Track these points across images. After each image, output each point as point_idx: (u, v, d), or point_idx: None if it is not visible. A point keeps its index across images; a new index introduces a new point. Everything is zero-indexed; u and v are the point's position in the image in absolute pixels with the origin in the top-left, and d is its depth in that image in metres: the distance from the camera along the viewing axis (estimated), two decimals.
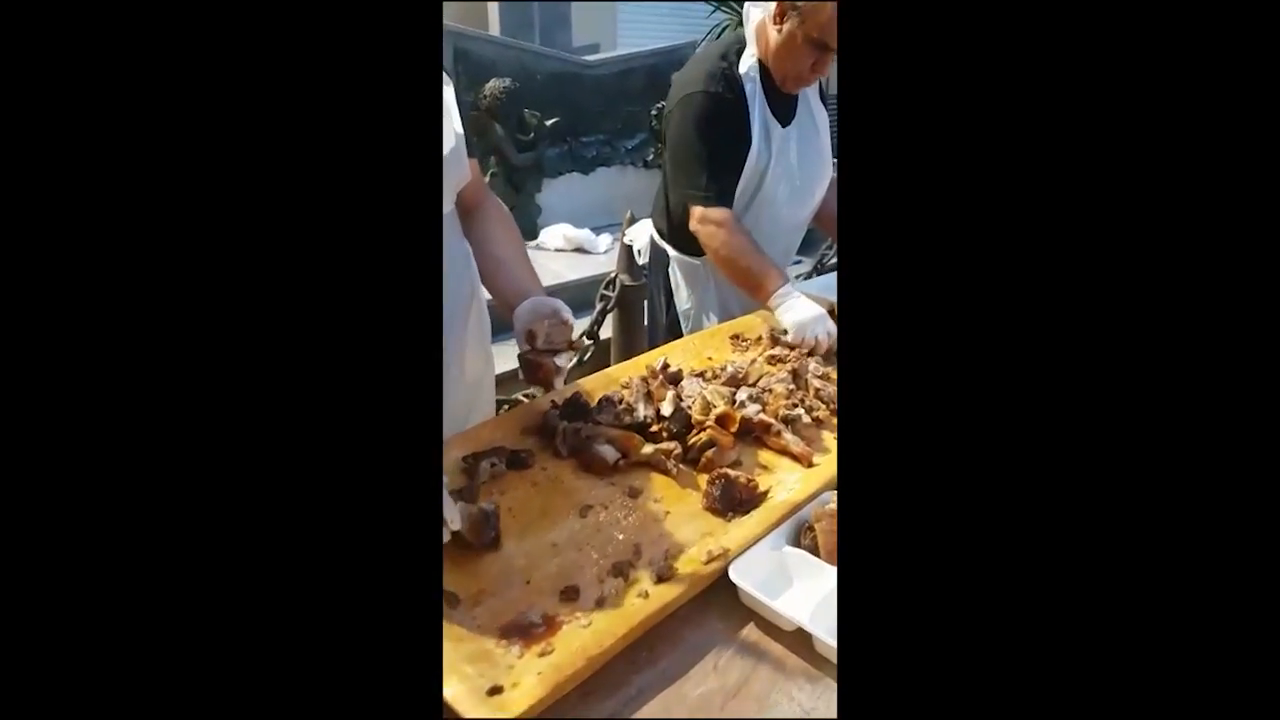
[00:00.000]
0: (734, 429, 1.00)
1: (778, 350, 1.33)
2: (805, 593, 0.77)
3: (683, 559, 0.78)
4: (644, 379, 1.08)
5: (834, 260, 3.11)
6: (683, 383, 1.15)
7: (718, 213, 1.43)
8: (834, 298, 1.48)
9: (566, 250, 3.45)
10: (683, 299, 1.64)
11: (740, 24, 1.52)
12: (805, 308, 1.34)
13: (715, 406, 1.03)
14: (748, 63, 1.44)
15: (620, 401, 1.03)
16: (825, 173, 1.61)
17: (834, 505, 0.87)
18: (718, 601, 0.77)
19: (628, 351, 2.41)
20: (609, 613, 0.71)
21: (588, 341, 2.42)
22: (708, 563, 0.77)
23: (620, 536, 0.82)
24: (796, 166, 1.51)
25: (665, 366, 1.16)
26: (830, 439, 1.06)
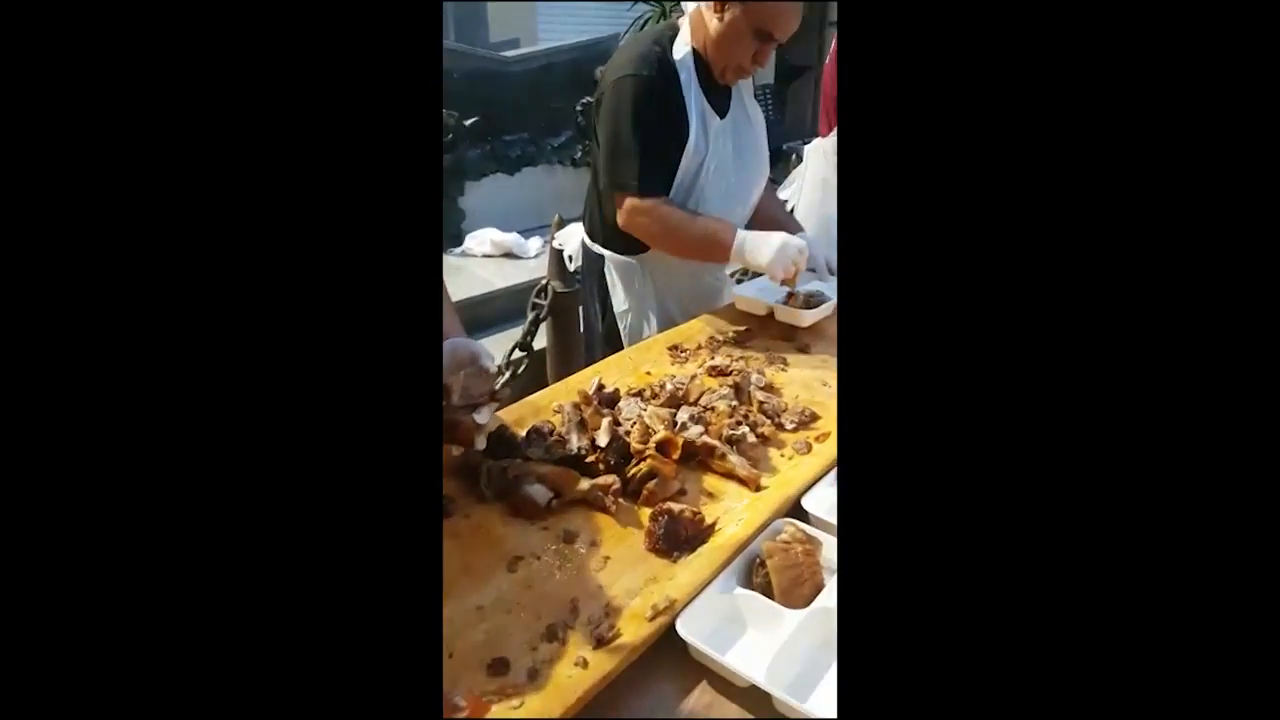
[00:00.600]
0: (676, 455, 0.92)
1: (719, 360, 1.27)
2: (760, 642, 0.70)
3: (625, 614, 0.70)
4: (576, 405, 0.99)
5: None
6: (620, 404, 1.07)
7: (649, 201, 1.36)
8: (771, 299, 1.44)
9: (495, 256, 3.30)
10: (619, 300, 1.55)
11: (664, 16, 1.44)
12: (768, 242, 1.32)
13: (655, 431, 0.95)
14: (682, 50, 1.37)
15: (551, 432, 0.94)
16: (762, 171, 1.55)
17: (786, 536, 0.80)
18: (667, 659, 0.69)
19: (563, 362, 2.31)
20: (542, 689, 0.62)
21: (520, 353, 2.31)
22: (653, 618, 0.69)
23: (555, 592, 0.74)
24: (732, 162, 1.44)
25: (600, 388, 1.08)
26: (777, 457, 1.00)
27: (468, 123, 3.48)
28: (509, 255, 3.31)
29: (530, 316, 2.27)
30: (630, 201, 1.37)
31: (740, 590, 0.75)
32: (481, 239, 3.33)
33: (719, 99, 1.42)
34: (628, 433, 0.94)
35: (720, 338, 1.40)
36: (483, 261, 3.27)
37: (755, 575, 0.77)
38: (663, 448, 0.92)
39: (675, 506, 0.82)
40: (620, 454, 0.91)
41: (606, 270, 1.55)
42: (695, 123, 1.36)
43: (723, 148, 1.41)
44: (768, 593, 0.74)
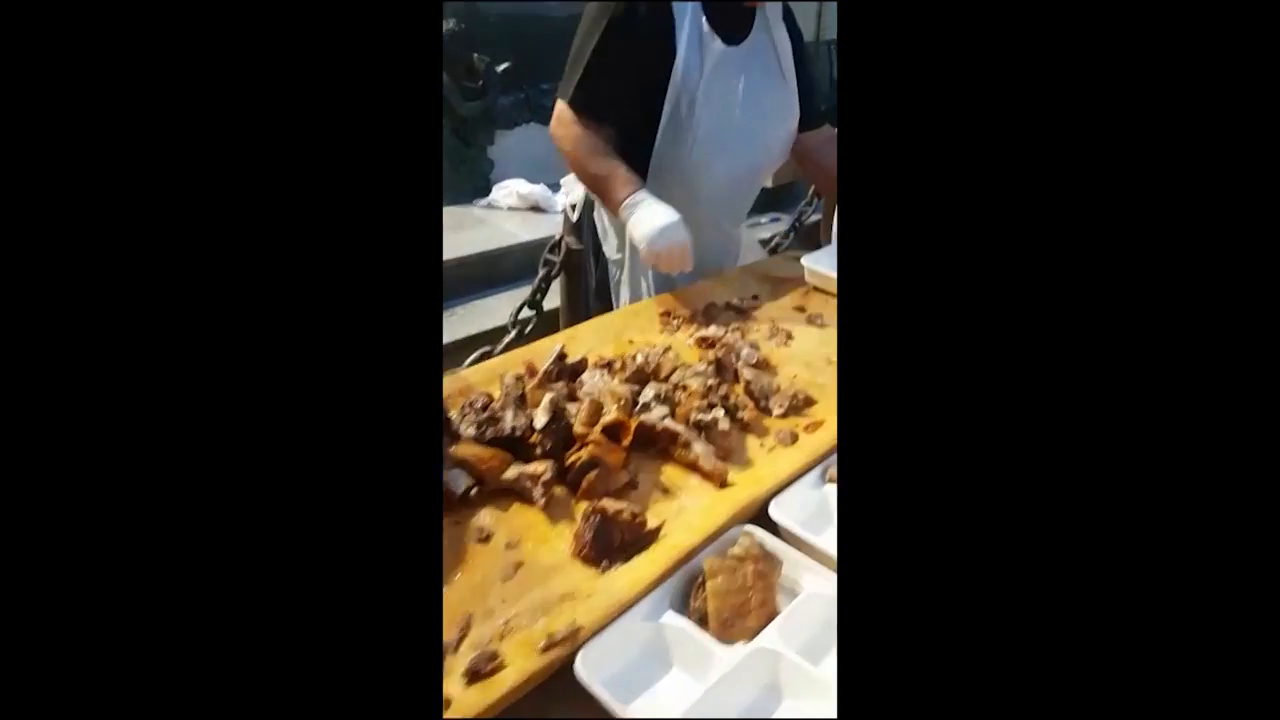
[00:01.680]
0: (627, 441, 0.79)
1: (711, 330, 1.11)
2: (683, 686, 0.57)
3: (517, 639, 0.58)
4: (518, 376, 0.86)
5: (815, 218, 2.86)
6: (583, 376, 0.93)
7: (571, 112, 1.22)
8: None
9: (520, 209, 3.17)
10: (612, 248, 1.39)
11: None
12: (656, 216, 1.13)
13: (609, 411, 0.81)
14: None
15: (484, 407, 0.81)
16: (785, 114, 1.33)
17: (739, 550, 0.66)
18: (567, 696, 0.57)
19: (575, 324, 2.19)
20: None
21: (529, 312, 2.19)
22: (546, 649, 0.56)
23: (448, 604, 0.62)
24: (742, 98, 1.25)
25: (561, 357, 0.94)
26: (756, 448, 0.85)
27: (500, 68, 3.31)
28: (535, 208, 3.17)
29: (541, 273, 2.14)
30: (558, 108, 1.23)
31: (669, 617, 0.61)
32: (508, 190, 3.20)
33: (734, 22, 1.22)
34: (575, 412, 0.81)
35: (721, 304, 1.24)
36: (508, 214, 3.15)
37: (694, 598, 0.63)
38: (612, 431, 0.79)
39: (611, 505, 0.68)
40: (561, 437, 0.78)
41: (597, 215, 1.39)
42: (685, 45, 1.17)
43: (728, 79, 1.22)
44: (704, 623, 0.61)
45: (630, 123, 1.25)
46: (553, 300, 2.24)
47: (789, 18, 1.33)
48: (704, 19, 1.18)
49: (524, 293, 2.41)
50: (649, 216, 1.14)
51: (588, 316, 1.57)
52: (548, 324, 2.25)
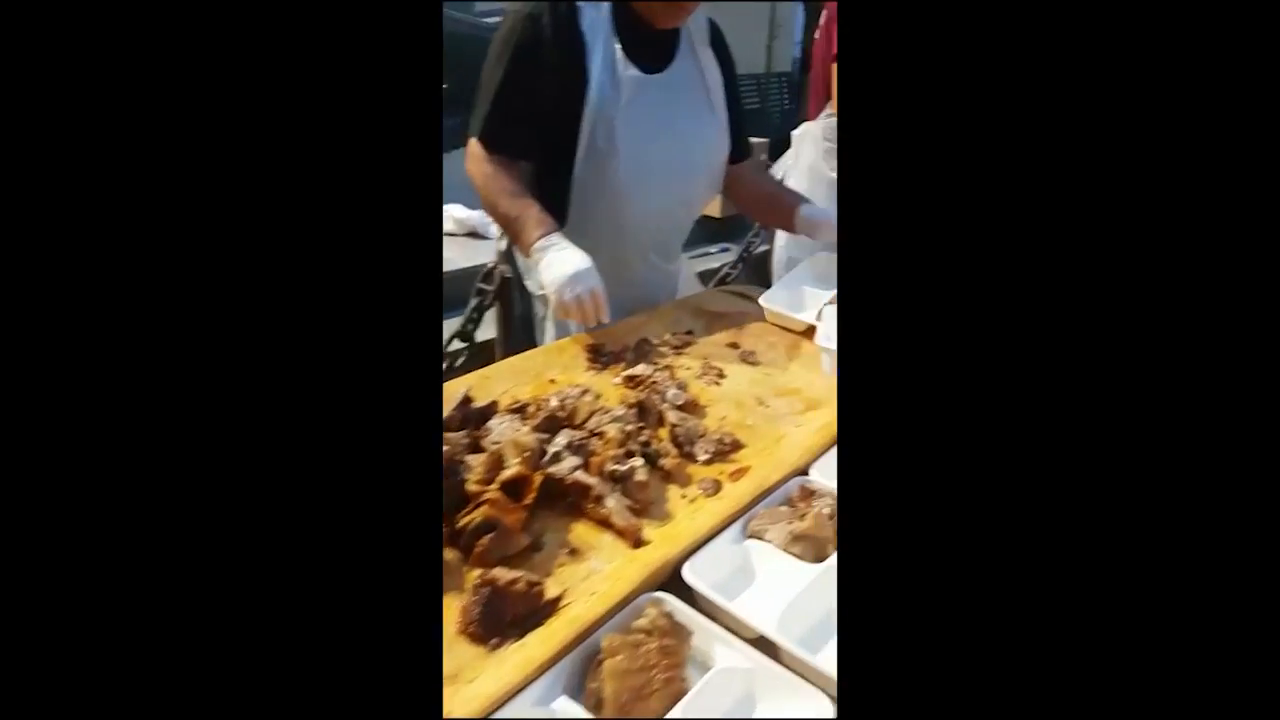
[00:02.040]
0: (530, 498, 0.72)
1: (640, 369, 1.06)
2: None
3: None
4: None
5: (764, 248, 2.86)
6: (491, 423, 0.86)
7: (483, 149, 1.17)
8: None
9: (458, 235, 3.09)
10: (535, 283, 1.34)
11: None
12: (566, 261, 1.08)
13: (511, 465, 0.75)
14: None
15: None
16: (712, 144, 1.30)
17: (645, 622, 0.60)
18: None
19: (511, 354, 2.11)
20: None
21: (461, 344, 2.11)
22: None
23: None
24: (664, 128, 1.21)
25: (466, 401, 0.87)
26: (677, 499, 0.79)
27: None
28: (473, 234, 3.10)
29: (473, 303, 2.07)
30: (470, 144, 1.18)
31: (561, 703, 0.54)
32: (445, 215, 3.11)
33: (652, 50, 1.19)
34: (468, 469, 0.73)
35: (655, 340, 1.19)
36: (445, 240, 3.06)
37: (592, 678, 0.57)
38: (513, 488, 0.72)
39: (504, 575, 0.62)
40: (453, 496, 0.70)
41: (515, 248, 1.33)
42: (600, 72, 1.13)
43: (649, 108, 1.18)
44: (602, 706, 0.54)
45: (546, 156, 1.20)
46: (489, 331, 2.17)
47: (719, 45, 1.31)
48: (618, 46, 1.15)
49: (459, 321, 2.33)
50: (559, 261, 1.08)
51: (510, 344, 1.50)
52: (482, 357, 2.17)
